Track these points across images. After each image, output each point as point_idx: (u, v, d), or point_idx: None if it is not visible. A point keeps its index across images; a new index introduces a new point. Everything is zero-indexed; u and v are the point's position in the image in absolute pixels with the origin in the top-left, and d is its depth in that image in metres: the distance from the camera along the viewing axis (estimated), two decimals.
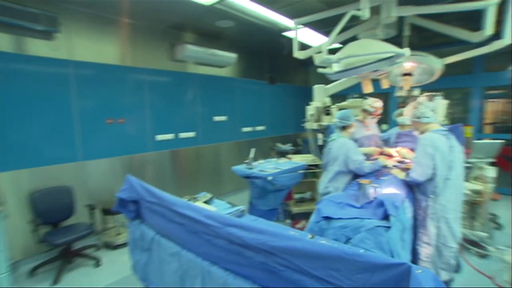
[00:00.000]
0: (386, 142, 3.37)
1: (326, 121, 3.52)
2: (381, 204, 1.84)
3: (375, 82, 2.74)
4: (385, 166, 2.73)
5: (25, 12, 2.87)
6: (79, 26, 3.46)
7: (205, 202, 2.25)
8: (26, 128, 3.08)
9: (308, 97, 3.87)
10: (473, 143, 3.26)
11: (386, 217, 1.81)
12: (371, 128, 3.19)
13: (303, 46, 3.14)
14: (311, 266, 0.99)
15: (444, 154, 2.16)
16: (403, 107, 3.29)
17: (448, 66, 2.78)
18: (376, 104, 2.98)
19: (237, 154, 5.70)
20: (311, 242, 1.03)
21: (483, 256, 2.99)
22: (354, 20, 2.73)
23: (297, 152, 6.29)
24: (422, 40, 5.11)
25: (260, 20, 3.91)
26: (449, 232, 2.21)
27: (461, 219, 2.30)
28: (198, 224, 1.38)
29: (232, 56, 5.05)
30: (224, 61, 5.04)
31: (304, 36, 4.58)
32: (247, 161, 3.21)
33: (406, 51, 1.59)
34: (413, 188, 2.42)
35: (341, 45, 2.78)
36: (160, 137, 4.41)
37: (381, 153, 3.08)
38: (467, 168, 3.04)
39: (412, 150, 2.90)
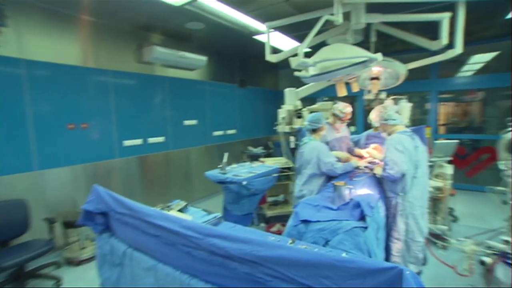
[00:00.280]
0: (357, 144, 3.48)
1: (297, 124, 3.57)
2: (357, 205, 1.89)
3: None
4: (357, 168, 2.81)
5: None
6: (32, 21, 3.15)
7: (180, 210, 2.15)
8: None
9: (278, 100, 3.91)
10: (434, 143, 3.49)
11: (362, 217, 1.85)
12: (341, 130, 3.28)
13: (274, 50, 3.16)
14: (300, 275, 0.97)
15: (411, 154, 2.30)
16: (370, 109, 3.45)
17: (410, 71, 2.96)
18: (346, 109, 3.08)
19: (209, 159, 5.61)
20: (299, 251, 1.01)
21: (445, 248, 3.20)
22: (324, 25, 2.81)
23: (268, 155, 6.33)
24: (385, 46, 5.39)
25: (230, 23, 3.87)
26: (416, 227, 2.34)
27: (427, 214, 2.44)
28: (176, 236, 1.30)
29: (202, 59, 4.95)
30: (194, 63, 4.92)
31: (274, 40, 4.62)
32: (220, 166, 3.13)
33: (379, 56, 1.65)
34: (384, 187, 2.52)
35: (310, 49, 2.83)
36: (127, 142, 4.18)
37: (353, 155, 3.17)
38: (430, 166, 3.24)
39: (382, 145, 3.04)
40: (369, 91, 3.17)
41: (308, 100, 4.42)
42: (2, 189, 2.92)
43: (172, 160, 4.94)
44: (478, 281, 2.60)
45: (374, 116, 3.27)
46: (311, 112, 3.66)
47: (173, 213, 2.02)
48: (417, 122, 6.08)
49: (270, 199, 4.36)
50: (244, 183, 2.79)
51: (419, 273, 2.47)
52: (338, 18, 2.00)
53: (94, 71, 3.73)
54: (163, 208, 2.15)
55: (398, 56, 2.86)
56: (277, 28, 4.07)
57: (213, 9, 3.42)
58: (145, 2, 3.22)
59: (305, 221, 1.91)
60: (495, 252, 2.42)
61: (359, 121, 6.57)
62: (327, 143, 3.15)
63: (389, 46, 5.38)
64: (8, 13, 2.90)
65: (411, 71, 2.95)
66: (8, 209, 2.84)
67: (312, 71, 1.84)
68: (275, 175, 3.28)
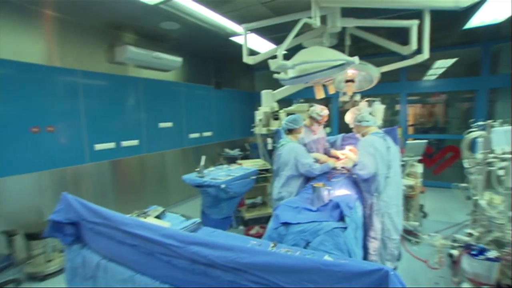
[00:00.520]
0: (333, 145, 3.56)
1: (274, 125, 3.59)
2: (336, 206, 1.91)
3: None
4: (334, 168, 2.87)
5: None
6: None
7: (157, 216, 2.07)
8: None
9: (254, 102, 3.92)
10: (405, 143, 3.65)
11: (341, 218, 1.88)
12: (318, 132, 3.33)
13: (250, 52, 3.15)
14: (285, 280, 0.95)
15: (383, 155, 2.38)
16: (345, 111, 3.54)
17: (382, 74, 3.07)
18: (323, 112, 3.13)
19: (185, 162, 5.49)
20: (284, 256, 1.00)
21: (418, 243, 3.35)
22: (300, 28, 2.84)
23: (245, 157, 6.31)
24: (358, 49, 5.58)
25: (206, 24, 3.81)
26: (392, 225, 2.42)
27: (402, 212, 2.54)
28: (155, 244, 1.23)
29: (177, 59, 4.83)
30: (169, 64, 4.79)
31: (251, 42, 4.62)
32: (197, 169, 3.06)
33: (356, 59, 1.69)
34: (360, 188, 2.59)
35: (286, 52, 2.85)
36: (99, 146, 3.97)
37: (330, 156, 3.23)
38: (402, 165, 3.39)
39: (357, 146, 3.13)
40: (344, 93, 3.26)
41: (284, 102, 4.46)
42: None
43: (147, 164, 4.77)
44: (447, 272, 2.75)
45: (349, 118, 3.35)
46: (288, 114, 3.70)
47: (150, 220, 1.93)
48: (388, 123, 6.36)
49: (248, 202, 4.33)
50: (223, 186, 2.75)
51: (395, 268, 2.56)
52: (316, 22, 2.03)
53: (61, 70, 3.50)
54: (139, 215, 2.06)
55: (370, 59, 2.97)
56: (253, 30, 4.07)
57: (189, 9, 3.34)
58: (116, 0, 3.08)
59: (286, 224, 1.91)
60: (461, 245, 2.57)
61: (334, 123, 6.74)
62: (304, 145, 3.19)
63: (362, 50, 5.58)
64: None
65: (384, 74, 3.07)
66: None
67: (291, 73, 1.84)
68: (253, 177, 3.26)
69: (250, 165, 3.88)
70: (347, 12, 2.70)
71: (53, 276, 2.94)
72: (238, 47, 3.25)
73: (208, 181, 2.85)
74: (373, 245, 2.39)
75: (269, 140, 3.76)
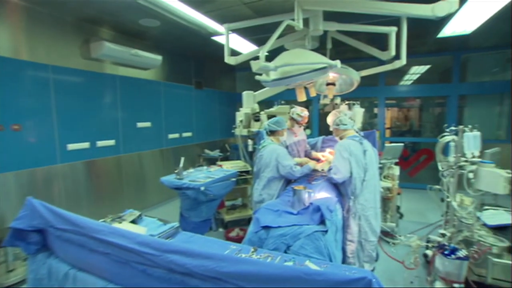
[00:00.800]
0: (313, 147, 3.59)
1: (255, 127, 3.57)
2: (317, 209, 1.91)
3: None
4: (315, 170, 2.89)
5: None
6: None
7: (133, 221, 1.98)
8: None
9: (235, 103, 3.88)
10: (384, 146, 3.75)
11: (322, 221, 1.88)
12: (299, 134, 3.35)
13: (232, 52, 3.11)
14: None
15: (359, 158, 2.40)
16: (325, 113, 3.58)
17: (361, 78, 3.13)
18: (304, 113, 3.15)
19: (164, 163, 5.36)
20: (265, 264, 0.97)
21: (395, 244, 3.44)
22: (282, 30, 2.83)
23: (225, 158, 6.25)
24: (338, 53, 5.69)
25: (188, 22, 3.72)
26: (369, 228, 2.45)
27: (379, 214, 2.58)
28: (129, 253, 1.16)
29: (157, 58, 4.70)
30: (148, 62, 4.65)
31: (232, 42, 4.57)
32: (176, 171, 2.98)
33: (337, 62, 1.70)
34: (340, 190, 2.61)
35: (267, 54, 2.84)
36: (72, 146, 3.77)
37: (312, 159, 3.25)
38: (380, 168, 3.47)
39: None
40: (325, 96, 3.29)
41: (266, 104, 4.46)
42: None
43: (124, 165, 4.60)
44: (422, 272, 2.84)
45: (330, 120, 3.40)
46: (269, 115, 3.69)
47: (125, 225, 1.84)
48: (368, 126, 6.53)
49: (228, 203, 4.29)
50: (202, 188, 2.69)
51: (373, 270, 2.60)
52: (299, 24, 2.03)
53: (29, 64, 3.29)
54: (113, 220, 1.96)
55: (350, 63, 3.02)
56: (235, 31, 4.03)
57: (169, 6, 3.25)
58: None
59: (266, 227, 1.89)
60: (434, 245, 2.66)
61: (315, 125, 6.83)
62: (286, 147, 3.19)
63: (342, 54, 5.69)
64: None
65: (363, 78, 3.12)
66: None
67: (273, 75, 1.83)
68: (234, 179, 3.22)
69: (230, 167, 3.84)
70: (329, 16, 2.74)
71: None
72: (220, 46, 3.21)
73: (187, 183, 2.78)
74: (350, 247, 2.41)
75: (250, 142, 3.73)
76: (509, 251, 2.29)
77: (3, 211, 3.03)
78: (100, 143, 4.17)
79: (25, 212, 1.50)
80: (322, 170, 2.95)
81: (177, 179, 2.93)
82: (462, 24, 3.79)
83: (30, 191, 3.30)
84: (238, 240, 3.41)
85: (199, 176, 3.05)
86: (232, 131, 3.86)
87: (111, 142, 4.35)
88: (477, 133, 2.44)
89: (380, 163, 3.59)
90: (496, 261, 2.23)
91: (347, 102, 3.50)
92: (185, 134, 5.91)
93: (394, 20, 2.47)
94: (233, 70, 7.39)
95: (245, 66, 2.74)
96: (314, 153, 3.42)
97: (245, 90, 3.75)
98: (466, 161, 2.50)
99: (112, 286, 1.26)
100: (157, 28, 4.11)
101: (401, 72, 7.07)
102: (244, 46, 4.75)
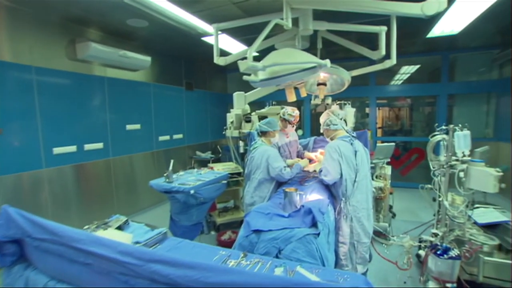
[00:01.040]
0: (305, 147, 3.56)
1: (247, 128, 3.52)
2: (308, 211, 1.88)
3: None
4: (306, 171, 2.85)
5: None
6: None
7: (119, 227, 1.91)
8: None
9: (226, 104, 3.84)
10: (376, 146, 3.74)
11: (314, 223, 1.84)
12: (290, 135, 3.32)
13: (222, 53, 3.07)
14: None
15: (349, 160, 2.36)
16: (317, 113, 3.56)
17: (352, 78, 3.12)
18: (295, 113, 3.12)
19: (155, 165, 5.27)
20: (253, 275, 0.92)
21: (388, 245, 3.44)
22: (272, 30, 2.80)
23: (217, 160, 6.19)
24: (329, 53, 5.70)
25: (176, 23, 3.66)
26: (361, 229, 2.42)
27: (371, 215, 2.56)
28: (111, 263, 1.10)
29: (146, 59, 4.62)
30: (137, 64, 4.57)
31: (224, 43, 4.53)
32: (165, 174, 2.91)
33: (327, 62, 1.67)
34: (332, 191, 2.58)
35: (258, 54, 2.81)
36: (58, 149, 3.67)
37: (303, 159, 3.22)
38: (372, 168, 3.46)
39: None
40: (316, 96, 3.27)
41: (257, 104, 4.42)
42: None
43: (113, 168, 4.50)
44: (415, 272, 2.84)
45: (323, 121, 3.37)
46: (260, 116, 3.65)
47: (111, 231, 1.78)
48: (360, 125, 6.55)
49: (220, 206, 4.23)
50: (192, 192, 2.62)
51: (366, 271, 2.58)
52: (288, 23, 2.00)
53: (10, 65, 3.18)
54: (98, 226, 1.89)
55: (340, 63, 3.00)
56: (225, 31, 3.98)
57: (157, 6, 3.19)
58: None
59: (257, 231, 1.85)
60: (427, 245, 2.66)
61: (306, 125, 6.81)
62: (278, 148, 3.16)
63: (333, 53, 5.69)
64: None
65: (354, 77, 3.11)
66: None
67: (261, 75, 1.79)
68: (224, 181, 3.16)
69: (222, 169, 3.78)
70: (320, 16, 2.72)
71: None
72: (210, 47, 3.15)
73: (176, 186, 2.71)
74: (343, 250, 2.38)
75: (241, 143, 3.69)
76: (499, 249, 2.29)
77: None
78: (88, 146, 4.07)
79: (0, 222, 1.41)
80: (314, 171, 2.93)
81: (166, 183, 2.86)
82: (450, 24, 3.83)
83: (13, 197, 3.20)
84: (230, 243, 3.36)
85: (189, 179, 2.98)
86: (223, 132, 3.81)
87: (99, 145, 4.25)
88: (467, 132, 2.45)
89: (372, 163, 3.59)
90: (487, 259, 2.23)
91: (338, 102, 3.48)
92: (176, 136, 5.83)
93: (384, 20, 2.47)
94: (225, 71, 7.34)
95: (236, 67, 2.68)
96: (307, 154, 3.39)
97: (237, 91, 3.70)
98: (457, 160, 2.50)
99: None
100: (146, 28, 4.04)
101: (392, 72, 7.12)
102: (234, 47, 4.70)
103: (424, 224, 3.68)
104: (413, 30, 4.30)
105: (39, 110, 3.46)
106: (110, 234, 1.70)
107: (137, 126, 4.91)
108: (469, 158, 2.49)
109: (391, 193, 3.88)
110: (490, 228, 2.49)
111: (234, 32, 4.02)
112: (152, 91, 5.24)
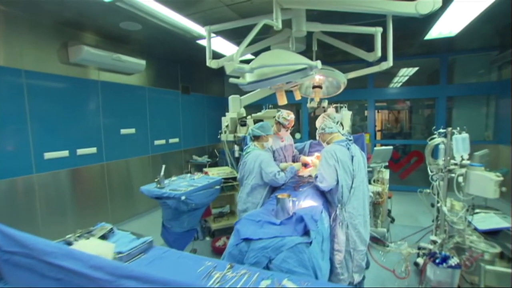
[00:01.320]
0: (301, 152, 3.49)
1: (242, 132, 3.46)
2: (300, 219, 1.80)
3: (289, 93, 2.79)
4: (301, 176, 2.78)
5: None
6: None
7: (103, 236, 1.84)
8: None
9: (224, 108, 3.77)
10: (373, 149, 3.66)
11: (306, 232, 1.77)
12: (286, 139, 3.25)
13: (218, 56, 3.01)
14: None
15: (346, 165, 2.28)
16: (315, 117, 3.49)
17: (350, 80, 3.05)
18: (290, 116, 3.06)
19: (150, 170, 5.19)
20: None
21: (386, 252, 3.34)
22: (267, 32, 2.74)
23: (214, 164, 6.12)
24: (327, 56, 5.65)
25: (170, 26, 3.61)
26: (357, 236, 2.33)
27: (368, 222, 2.48)
28: (82, 278, 1.03)
29: (140, 62, 4.57)
30: (131, 67, 4.52)
31: (219, 46, 4.49)
32: (157, 179, 2.84)
33: (318, 63, 1.60)
34: (327, 197, 2.50)
35: (253, 57, 2.76)
36: (50, 154, 3.61)
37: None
38: (369, 172, 3.38)
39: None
40: (312, 99, 3.20)
41: (254, 108, 4.36)
42: None
43: (107, 173, 4.43)
44: (414, 280, 2.75)
45: (318, 124, 3.31)
46: (255, 120, 3.59)
47: (93, 240, 1.70)
48: (358, 128, 6.48)
49: (215, 211, 4.15)
50: (183, 198, 2.55)
51: (363, 279, 2.49)
52: (278, 24, 1.93)
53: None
54: (81, 235, 1.81)
55: (339, 66, 2.94)
56: (220, 34, 3.93)
57: (149, 9, 3.13)
58: None
59: (247, 239, 1.77)
60: (425, 253, 2.57)
61: (304, 128, 6.75)
62: (273, 152, 3.09)
63: (331, 56, 5.64)
64: None
65: (352, 80, 3.04)
66: None
67: (249, 77, 1.72)
68: (218, 187, 3.09)
69: (217, 174, 3.71)
70: (315, 17, 2.66)
71: None
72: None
73: (167, 192, 2.64)
74: (338, 257, 2.30)
75: (236, 147, 3.62)
76: (501, 257, 2.21)
77: None
78: (81, 151, 4.01)
79: None
80: (310, 176, 2.85)
81: (157, 188, 2.79)
82: (448, 25, 3.77)
83: (1, 204, 3.12)
84: (225, 250, 3.28)
85: (181, 185, 2.91)
86: (218, 136, 3.75)
87: (93, 150, 4.18)
88: (465, 135, 2.37)
89: (370, 167, 3.51)
90: (489, 268, 2.14)
91: (334, 105, 3.42)
92: (172, 140, 5.76)
93: (381, 22, 2.41)
94: (222, 74, 7.29)
95: None
96: (303, 158, 3.32)
97: (234, 94, 3.64)
98: (455, 164, 2.42)
99: None
100: (140, 32, 3.99)
101: (391, 74, 7.07)
102: (230, 50, 4.65)
103: (424, 229, 3.59)
104: (410, 32, 4.25)
105: (30, 114, 3.39)
106: (92, 244, 1.62)
107: (132, 131, 4.85)
108: (468, 162, 2.42)
109: (389, 197, 3.79)
110: (491, 234, 2.40)
111: (230, 35, 3.96)
112: (148, 94, 5.19)
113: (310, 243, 1.70)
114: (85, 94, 4.09)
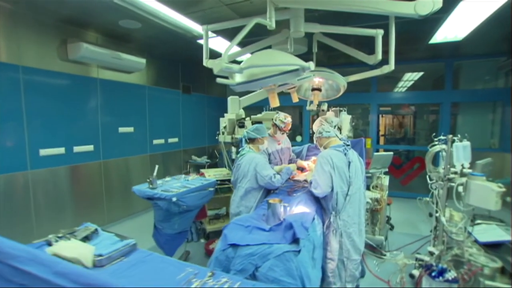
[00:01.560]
0: (298, 155, 3.42)
1: (240, 133, 3.40)
2: (290, 226, 1.73)
3: (288, 94, 2.73)
4: (296, 181, 2.71)
5: None
6: None
7: (85, 237, 1.78)
8: None
9: (225, 108, 3.71)
10: (374, 155, 3.56)
11: (296, 239, 1.69)
12: (282, 142, 3.19)
13: (219, 56, 2.95)
14: None
15: (342, 171, 2.20)
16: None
17: (353, 84, 2.97)
18: (287, 119, 2.99)
19: (148, 169, 5.15)
20: None
21: (382, 261, 3.24)
22: (266, 33, 2.68)
23: (214, 164, 6.06)
24: (329, 59, 5.57)
25: (169, 24, 3.57)
26: (351, 245, 2.24)
27: (363, 230, 2.39)
28: (46, 284, 0.97)
29: (140, 61, 4.54)
30: (131, 65, 4.49)
31: (220, 46, 4.43)
32: (149, 179, 2.79)
33: (311, 64, 1.53)
34: (321, 204, 2.43)
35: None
36: (45, 151, 3.58)
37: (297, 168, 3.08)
38: (368, 178, 3.29)
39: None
40: (311, 102, 3.14)
41: (255, 109, 4.30)
42: None
43: (104, 172, 4.40)
44: None
45: (315, 128, 3.23)
46: (254, 121, 3.53)
47: (73, 242, 1.65)
48: (361, 133, 6.37)
49: (210, 213, 4.08)
50: (174, 199, 2.49)
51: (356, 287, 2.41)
52: (271, 23, 1.87)
53: None
54: (63, 236, 1.76)
55: (341, 68, 2.87)
56: (220, 34, 3.88)
57: (148, 7, 3.09)
58: None
59: (234, 245, 1.70)
60: (421, 264, 2.47)
61: (306, 131, 6.66)
62: (269, 155, 3.02)
63: (334, 59, 5.55)
64: None
65: (355, 83, 2.96)
66: None
67: (238, 78, 1.66)
68: (212, 189, 3.03)
69: (213, 175, 3.65)
70: (315, 18, 2.60)
71: None
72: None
73: (158, 193, 2.58)
74: (330, 266, 2.22)
75: (233, 149, 3.56)
76: (502, 272, 2.10)
77: None
78: (77, 149, 3.98)
79: None
80: (305, 180, 2.77)
81: (149, 189, 2.74)
82: (453, 29, 3.67)
83: None
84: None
85: (174, 186, 2.85)
86: (216, 137, 3.70)
87: (90, 148, 4.16)
88: (467, 143, 2.28)
89: (369, 173, 3.42)
90: (488, 283, 2.04)
91: (333, 109, 3.34)
92: (171, 140, 5.72)
93: (383, 24, 2.34)
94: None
95: None
96: (300, 162, 3.24)
97: (237, 95, 3.58)
98: (455, 173, 2.33)
99: None
100: (140, 30, 3.95)
101: (395, 79, 6.95)
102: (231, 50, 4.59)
103: (424, 238, 3.49)
104: (415, 35, 4.15)
105: (26, 110, 3.37)
106: (72, 245, 1.57)
107: (130, 129, 4.82)
108: (469, 170, 2.32)
109: (389, 204, 3.70)
110: (492, 247, 2.29)
111: (230, 35, 3.90)
112: (147, 93, 5.16)
113: (299, 251, 1.63)
114: (84, 91, 4.07)
